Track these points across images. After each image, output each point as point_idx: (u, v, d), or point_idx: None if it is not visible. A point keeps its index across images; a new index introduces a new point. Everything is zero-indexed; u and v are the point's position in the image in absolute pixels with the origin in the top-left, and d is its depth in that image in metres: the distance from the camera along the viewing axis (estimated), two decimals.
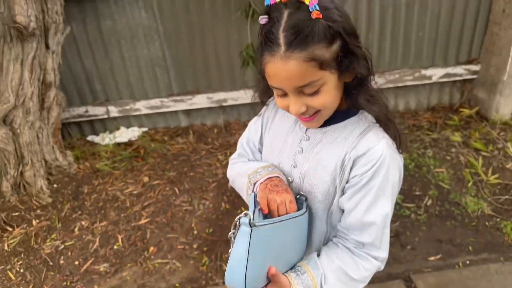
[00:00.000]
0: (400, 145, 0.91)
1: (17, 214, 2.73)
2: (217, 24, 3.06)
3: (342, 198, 0.93)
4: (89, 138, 3.42)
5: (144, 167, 3.04)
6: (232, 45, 3.10)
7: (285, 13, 0.77)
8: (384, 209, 0.90)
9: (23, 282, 2.36)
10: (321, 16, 0.75)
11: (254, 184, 0.99)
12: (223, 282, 2.27)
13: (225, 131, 3.41)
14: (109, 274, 2.37)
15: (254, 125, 1.16)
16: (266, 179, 0.97)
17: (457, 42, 3.24)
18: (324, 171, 0.94)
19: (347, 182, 0.92)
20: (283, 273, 0.91)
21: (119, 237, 2.56)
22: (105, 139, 3.32)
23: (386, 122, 0.91)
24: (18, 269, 2.43)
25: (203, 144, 3.25)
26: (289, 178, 1.01)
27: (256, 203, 0.87)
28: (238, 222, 0.81)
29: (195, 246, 2.48)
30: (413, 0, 3.05)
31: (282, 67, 0.78)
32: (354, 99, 0.90)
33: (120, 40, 3.13)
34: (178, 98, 3.32)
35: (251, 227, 0.78)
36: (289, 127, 1.04)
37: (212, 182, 2.87)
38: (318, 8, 0.75)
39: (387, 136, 0.90)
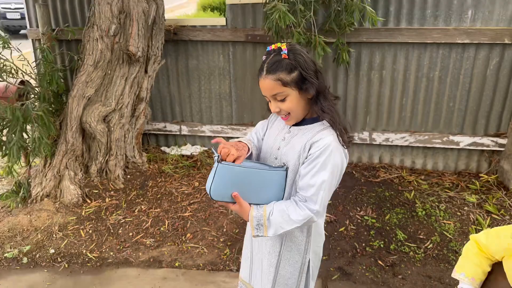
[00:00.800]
0: (344, 143, 1.39)
1: (96, 191, 3.48)
2: None
3: (301, 167, 1.39)
4: (162, 148, 4.19)
5: (198, 175, 3.68)
6: None
7: (272, 54, 1.34)
8: (323, 177, 1.34)
9: (89, 240, 3.04)
10: (287, 57, 1.31)
11: None
12: (237, 269, 2.74)
13: None
14: (152, 247, 2.96)
15: (262, 123, 1.68)
16: (237, 141, 1.50)
17: (486, 116, 3.55)
18: (294, 151, 1.41)
19: (306, 158, 1.38)
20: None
21: (166, 222, 3.17)
22: (173, 150, 4.05)
23: (333, 126, 1.39)
24: (88, 230, 3.13)
25: None
26: (275, 157, 1.48)
27: (218, 155, 1.36)
28: (214, 159, 1.33)
29: (222, 239, 3.00)
30: (446, 74, 3.48)
31: (263, 82, 1.34)
32: (312, 109, 1.42)
33: (200, 76, 3.93)
34: (235, 127, 3.98)
35: (218, 163, 1.31)
36: (281, 127, 1.54)
37: None
38: (286, 52, 1.32)
39: (336, 134, 1.37)
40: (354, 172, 3.79)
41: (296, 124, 1.47)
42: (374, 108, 3.71)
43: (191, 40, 3.77)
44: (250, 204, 1.39)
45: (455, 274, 1.48)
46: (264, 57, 1.37)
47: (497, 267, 1.41)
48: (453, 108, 3.58)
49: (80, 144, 3.41)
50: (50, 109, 3.40)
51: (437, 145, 3.67)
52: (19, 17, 10.89)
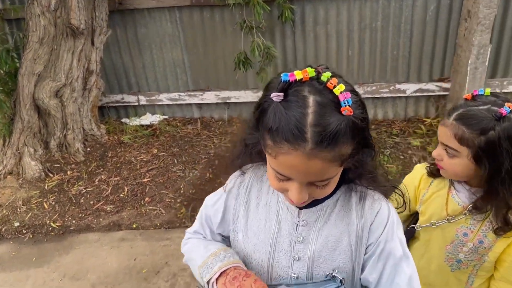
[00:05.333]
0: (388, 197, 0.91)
1: (58, 165, 3.59)
2: (224, 34, 3.79)
3: (367, 272, 0.87)
4: (123, 120, 4.27)
5: (156, 143, 3.80)
6: (236, 51, 3.78)
7: (311, 100, 0.70)
8: (411, 269, 0.87)
9: (52, 211, 3.17)
10: (352, 112, 0.69)
11: (208, 283, 0.90)
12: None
13: (227, 123, 4.09)
14: (112, 213, 3.11)
15: (213, 206, 1.02)
16: (219, 276, 0.89)
17: (430, 61, 3.66)
18: (336, 251, 0.87)
19: (365, 253, 0.87)
20: None
21: (126, 188, 3.31)
22: (133, 121, 4.15)
23: (374, 189, 0.90)
24: (51, 202, 3.25)
25: (207, 131, 3.96)
26: (292, 274, 0.89)
27: None
28: None
29: (179, 200, 3.15)
30: (387, 23, 3.56)
31: (303, 162, 0.70)
32: (357, 180, 0.88)
33: (151, 44, 3.97)
34: (192, 93, 4.07)
35: None
36: (273, 210, 0.93)
37: (204, 158, 3.55)
38: (350, 103, 0.69)
39: (382, 196, 0.90)
40: None
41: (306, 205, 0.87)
42: (323, 62, 3.79)
43: (137, 9, 3.78)
44: None
45: None
46: (279, 98, 0.72)
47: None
48: (398, 56, 3.68)
49: (36, 121, 3.48)
50: (3, 89, 3.44)
51: (385, 95, 3.80)
52: None
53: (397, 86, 3.75)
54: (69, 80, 3.46)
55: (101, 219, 3.06)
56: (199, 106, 4.18)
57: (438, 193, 1.32)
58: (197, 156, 3.60)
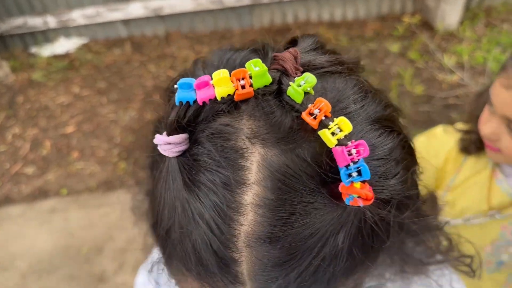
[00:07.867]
0: None
1: None
2: None
3: None
4: (33, 51, 3.57)
5: (76, 78, 3.22)
6: None
7: (253, 165, 0.33)
8: None
9: None
10: (370, 200, 0.31)
11: None
12: (135, 184, 2.56)
13: (165, 42, 3.50)
14: (35, 177, 2.68)
15: None
16: None
17: None
18: None
19: None
20: None
21: (47, 143, 2.83)
22: (43, 50, 3.47)
23: None
24: None
25: (139, 55, 3.38)
26: None
27: None
28: None
29: (115, 152, 2.74)
30: None
31: None
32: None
33: None
34: (114, 6, 3.37)
35: None
36: None
37: (140, 94, 3.05)
38: (366, 176, 0.31)
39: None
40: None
41: None
42: None
43: None
44: None
45: None
46: (173, 152, 0.35)
47: None
48: None
49: None
50: None
51: None
52: None
53: None
54: None
55: (22, 186, 2.64)
56: (126, 22, 3.52)
57: (475, 178, 0.98)
58: (131, 91, 3.08)
